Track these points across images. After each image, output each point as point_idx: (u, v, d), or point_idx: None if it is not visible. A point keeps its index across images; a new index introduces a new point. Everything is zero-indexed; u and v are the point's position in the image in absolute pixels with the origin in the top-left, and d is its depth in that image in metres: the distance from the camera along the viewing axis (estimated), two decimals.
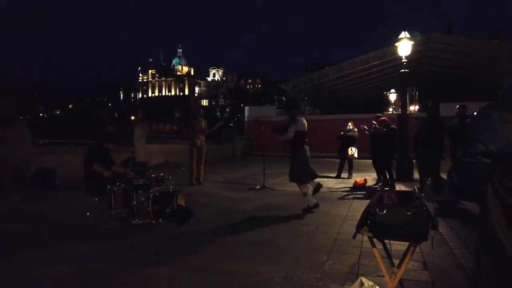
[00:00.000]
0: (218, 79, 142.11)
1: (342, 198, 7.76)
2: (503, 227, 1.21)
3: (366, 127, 9.78)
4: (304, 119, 6.53)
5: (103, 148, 5.94)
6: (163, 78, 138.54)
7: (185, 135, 10.70)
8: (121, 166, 6.31)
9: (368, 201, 2.86)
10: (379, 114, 9.89)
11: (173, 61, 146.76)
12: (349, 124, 11.07)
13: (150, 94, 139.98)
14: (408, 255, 2.61)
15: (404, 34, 10.68)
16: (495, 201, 1.25)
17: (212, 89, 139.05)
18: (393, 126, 9.15)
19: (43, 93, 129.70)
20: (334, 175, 11.19)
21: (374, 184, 9.56)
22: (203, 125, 9.78)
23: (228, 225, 5.49)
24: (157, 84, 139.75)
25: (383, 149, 8.92)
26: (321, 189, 8.81)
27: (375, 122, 9.39)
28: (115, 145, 6.63)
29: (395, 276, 2.69)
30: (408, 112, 11.83)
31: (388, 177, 9.08)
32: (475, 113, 1.52)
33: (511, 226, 1.20)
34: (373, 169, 10.00)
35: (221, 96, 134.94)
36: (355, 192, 8.43)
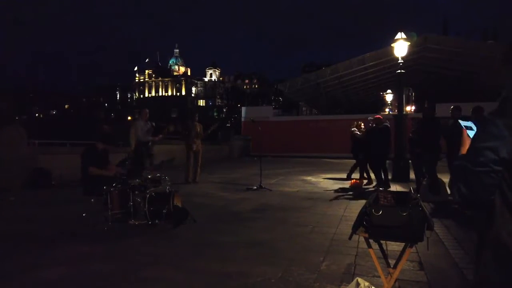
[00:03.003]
0: (215, 79, 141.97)
1: (339, 198, 7.77)
2: None
3: (357, 131, 9.83)
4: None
5: (98, 149, 5.91)
6: (160, 78, 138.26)
7: (181, 138, 10.84)
8: (116, 166, 6.28)
9: (364, 201, 2.86)
10: (370, 118, 9.90)
11: (170, 61, 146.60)
12: (361, 124, 10.33)
13: (146, 94, 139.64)
14: (404, 255, 2.61)
15: (400, 35, 10.71)
16: (504, 209, 1.23)
17: (209, 90, 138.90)
18: (386, 124, 9.17)
19: (39, 93, 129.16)
20: (336, 175, 11.07)
21: (369, 185, 9.58)
22: (198, 129, 9.99)
23: (225, 225, 5.48)
24: (153, 84, 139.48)
25: (375, 147, 8.94)
26: (318, 190, 8.87)
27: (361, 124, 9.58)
28: (112, 147, 6.62)
29: (391, 276, 2.69)
30: (404, 113, 11.86)
31: (383, 176, 9.10)
32: (458, 121, 1.51)
33: None
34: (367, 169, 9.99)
35: (218, 97, 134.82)
36: (352, 193, 8.43)
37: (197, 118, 10.37)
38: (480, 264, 1.34)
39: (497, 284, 1.24)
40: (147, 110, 9.07)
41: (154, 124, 8.74)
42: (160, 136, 9.45)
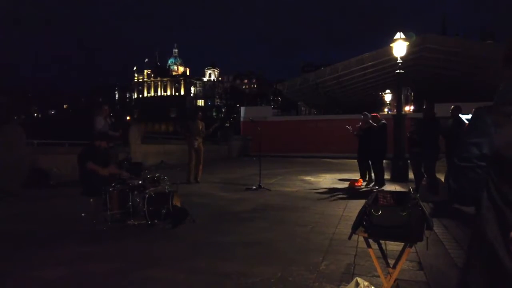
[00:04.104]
0: (214, 79, 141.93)
1: (338, 198, 7.77)
2: (495, 232, 1.20)
3: (350, 128, 9.81)
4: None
5: (97, 147, 5.92)
6: (159, 78, 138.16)
7: (183, 137, 10.87)
8: (115, 167, 6.30)
9: (363, 201, 2.86)
10: (365, 113, 9.92)
11: (169, 61, 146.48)
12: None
13: (145, 94, 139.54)
14: (404, 255, 2.61)
15: (399, 35, 10.72)
16: (490, 206, 1.24)
17: (208, 89, 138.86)
18: (383, 121, 9.18)
19: (38, 93, 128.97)
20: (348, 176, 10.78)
21: (368, 184, 9.58)
22: (200, 127, 9.92)
23: (224, 225, 5.48)
24: (152, 84, 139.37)
25: (375, 145, 8.96)
26: (317, 189, 8.87)
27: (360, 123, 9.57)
28: (109, 143, 6.62)
29: (391, 276, 2.69)
30: (403, 113, 11.87)
31: (379, 175, 9.11)
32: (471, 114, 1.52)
33: (503, 230, 1.19)
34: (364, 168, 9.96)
35: (217, 97, 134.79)
36: (351, 192, 8.44)
37: (199, 116, 10.34)
38: (466, 259, 1.35)
39: (479, 276, 1.25)
40: (107, 107, 9.46)
41: (113, 120, 9.20)
42: (120, 131, 9.87)
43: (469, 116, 1.55)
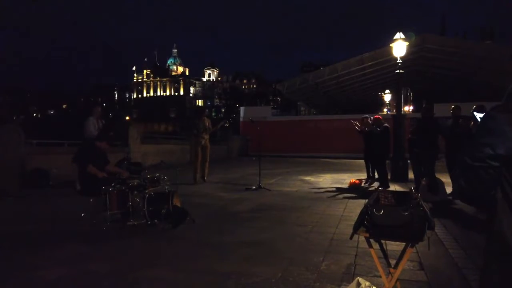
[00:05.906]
0: (213, 79, 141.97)
1: (338, 198, 7.77)
2: None
3: (358, 124, 9.84)
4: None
5: (96, 147, 5.90)
6: (158, 78, 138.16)
7: (191, 134, 10.82)
8: (115, 166, 6.29)
9: (363, 201, 2.85)
10: (366, 115, 9.91)
11: (168, 61, 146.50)
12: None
13: (145, 94, 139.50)
14: (405, 255, 2.60)
15: (398, 35, 10.72)
16: (505, 206, 1.22)
17: (207, 89, 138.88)
18: (386, 124, 9.19)
19: (37, 93, 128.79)
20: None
21: (368, 184, 9.59)
22: (207, 124, 9.87)
23: (224, 225, 5.47)
24: (152, 84, 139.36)
25: (377, 148, 8.97)
26: (317, 189, 8.87)
27: (360, 124, 9.58)
28: (109, 145, 6.60)
29: (392, 276, 2.68)
30: (402, 113, 11.87)
31: (382, 176, 9.11)
32: (473, 113, 1.51)
33: None
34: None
35: (216, 97, 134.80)
36: (351, 192, 8.44)
37: (206, 113, 10.30)
38: (485, 261, 1.33)
39: (498, 278, 1.23)
40: (99, 108, 9.44)
41: (103, 121, 9.19)
42: (111, 133, 9.84)
43: (482, 115, 1.52)
